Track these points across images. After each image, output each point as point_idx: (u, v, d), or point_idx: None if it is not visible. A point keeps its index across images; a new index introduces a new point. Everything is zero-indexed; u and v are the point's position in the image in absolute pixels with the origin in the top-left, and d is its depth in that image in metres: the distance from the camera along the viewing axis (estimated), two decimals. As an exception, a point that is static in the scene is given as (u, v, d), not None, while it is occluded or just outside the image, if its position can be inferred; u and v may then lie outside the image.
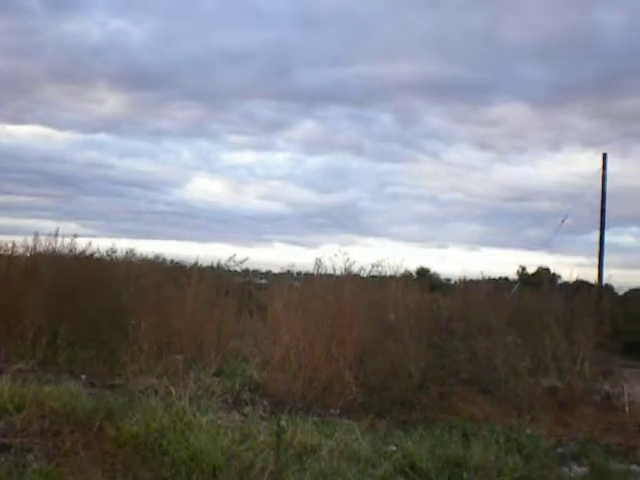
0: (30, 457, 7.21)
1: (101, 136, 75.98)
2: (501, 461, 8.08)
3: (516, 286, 22.10)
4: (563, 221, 28.79)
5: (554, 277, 25.29)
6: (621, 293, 37.54)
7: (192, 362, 11.81)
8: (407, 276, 19.83)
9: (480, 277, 17.52)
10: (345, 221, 66.68)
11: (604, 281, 28.46)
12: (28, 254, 15.55)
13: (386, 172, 71.50)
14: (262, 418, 9.65)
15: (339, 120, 68.87)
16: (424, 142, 70.30)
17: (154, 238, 55.50)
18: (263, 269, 29.59)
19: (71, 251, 15.62)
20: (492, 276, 26.69)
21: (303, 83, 59.42)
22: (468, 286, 17.45)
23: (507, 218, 65.24)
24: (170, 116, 66.86)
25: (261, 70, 61.50)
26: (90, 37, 55.54)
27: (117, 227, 59.06)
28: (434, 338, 12.94)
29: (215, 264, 16.40)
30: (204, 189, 70.31)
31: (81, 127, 76.14)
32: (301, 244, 60.51)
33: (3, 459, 7.09)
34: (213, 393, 10.43)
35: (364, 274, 13.99)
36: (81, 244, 15.78)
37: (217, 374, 11.84)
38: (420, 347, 12.22)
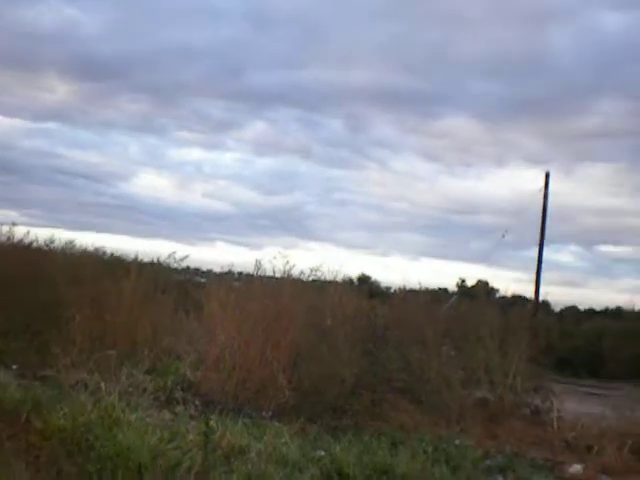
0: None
1: (50, 125, 74.65)
2: (428, 471, 8.14)
3: (454, 298, 22.25)
4: (503, 236, 29.17)
5: (492, 290, 25.57)
6: (557, 310, 38.18)
7: (125, 358, 11.70)
8: (348, 282, 19.91)
9: (420, 287, 17.65)
10: (290, 224, 66.60)
11: (541, 297, 28.83)
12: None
13: (333, 177, 71.53)
14: (193, 417, 9.60)
15: (289, 123, 68.74)
16: (373, 150, 70.59)
17: (97, 231, 55.12)
18: (204, 268, 29.43)
19: (8, 239, 15.39)
20: (432, 287, 26.89)
21: (255, 84, 59.21)
22: (407, 295, 17.55)
23: (450, 230, 65.69)
24: (119, 109, 66.04)
25: (213, 68, 61.11)
26: (43, 23, 54.61)
27: (59, 217, 58.13)
28: (369, 345, 12.97)
29: (156, 260, 16.33)
30: (150, 184, 69.60)
31: (30, 115, 74.89)
32: (244, 245, 60.30)
33: None
34: (145, 390, 10.37)
35: (304, 278, 14.01)
36: (19, 233, 15.56)
37: (150, 371, 11.75)
38: (354, 354, 12.24)
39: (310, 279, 14.17)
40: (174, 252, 15.39)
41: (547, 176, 29.31)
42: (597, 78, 56.79)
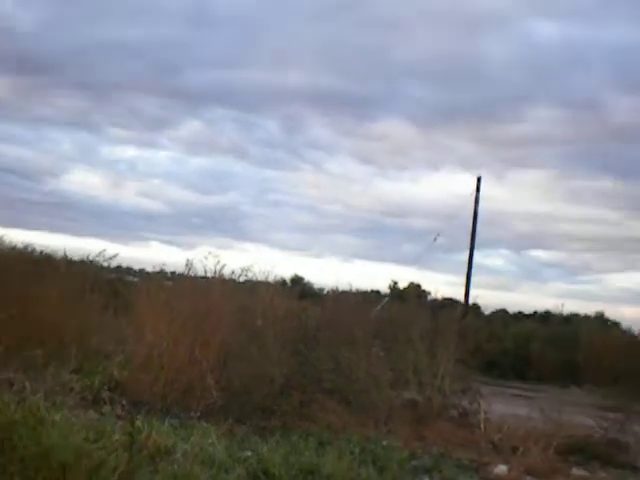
0: None
1: (-20, 119, 73.27)
2: (354, 472, 8.17)
3: (385, 300, 22.41)
4: (435, 239, 29.42)
5: (424, 293, 25.86)
6: (487, 313, 38.67)
7: (52, 357, 11.52)
8: (280, 283, 19.91)
9: (352, 288, 17.75)
10: (224, 224, 66.42)
11: (471, 300, 29.15)
12: None
13: (268, 178, 71.54)
14: (120, 417, 9.49)
15: (225, 123, 68.53)
16: (308, 151, 70.74)
17: (27, 228, 53.99)
18: (137, 267, 29.21)
19: None
20: (364, 288, 27.10)
21: (191, 83, 58.83)
22: (338, 297, 17.62)
23: (383, 232, 66.13)
24: (53, 104, 65.14)
25: (149, 66, 60.52)
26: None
27: (-14, 213, 57.10)
28: (299, 346, 12.98)
29: (86, 259, 16.11)
30: (82, 181, 68.71)
31: (-40, 108, 73.44)
32: (178, 244, 59.87)
33: None
34: (71, 390, 10.23)
35: (235, 278, 13.96)
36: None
37: (77, 371, 11.60)
38: (284, 354, 12.24)
39: (241, 279, 14.15)
40: (104, 250, 15.22)
41: (479, 181, 29.68)
42: (531, 85, 57.78)
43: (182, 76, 61.39)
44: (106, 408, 9.97)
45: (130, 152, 76.51)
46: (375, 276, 62.92)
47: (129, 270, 28.66)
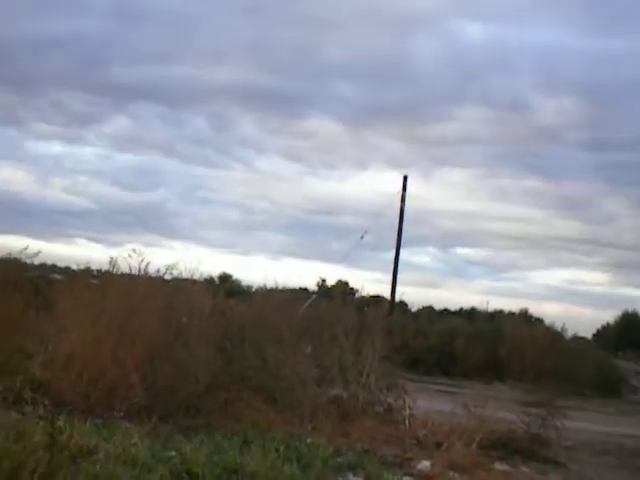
0: None
1: None
2: (278, 469, 8.18)
3: (313, 297, 22.50)
4: (362, 237, 29.68)
5: (352, 291, 25.98)
6: (414, 310, 39.12)
7: (-29, 358, 11.32)
8: (207, 281, 19.84)
9: (280, 286, 17.77)
10: (151, 222, 66.01)
11: (398, 298, 29.43)
12: None
13: (196, 176, 71.45)
14: (42, 418, 9.34)
15: (153, 119, 68.23)
16: (237, 149, 70.79)
17: (-53, 225, 52.75)
18: (62, 265, 28.78)
19: None
20: (293, 286, 27.19)
21: (118, 78, 58.34)
22: (266, 294, 17.63)
23: (312, 230, 66.64)
24: (-25, 100, 63.88)
25: (76, 60, 59.86)
26: None
27: None
28: (225, 344, 12.96)
29: (8, 256, 15.82)
30: (7, 178, 67.54)
31: None
32: (104, 242, 59.27)
33: None
34: (-8, 391, 10.06)
35: (161, 276, 13.85)
36: None
37: (-2, 371, 11.42)
38: (209, 352, 12.18)
39: (167, 277, 14.05)
40: (26, 247, 14.95)
41: (405, 179, 30.03)
42: (457, 85, 58.80)
43: (109, 71, 60.95)
44: (28, 408, 9.81)
45: (56, 148, 75.67)
46: (304, 274, 63.25)
47: (54, 268, 28.27)
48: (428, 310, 39.86)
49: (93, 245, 57.63)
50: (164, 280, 14.02)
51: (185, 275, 14.33)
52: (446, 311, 40.64)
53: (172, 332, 12.57)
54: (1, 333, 12.87)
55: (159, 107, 69.36)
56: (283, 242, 65.40)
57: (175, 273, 14.07)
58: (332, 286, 30.75)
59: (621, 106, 58.69)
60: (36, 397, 10.63)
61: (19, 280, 14.10)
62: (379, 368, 13.67)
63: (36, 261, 16.46)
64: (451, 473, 10.20)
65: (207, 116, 68.73)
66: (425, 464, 10.44)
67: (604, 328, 48.40)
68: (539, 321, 36.14)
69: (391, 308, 27.27)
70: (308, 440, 10.37)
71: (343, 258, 31.15)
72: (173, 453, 8.41)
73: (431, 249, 66.98)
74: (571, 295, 63.31)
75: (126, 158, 73.55)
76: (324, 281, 33.84)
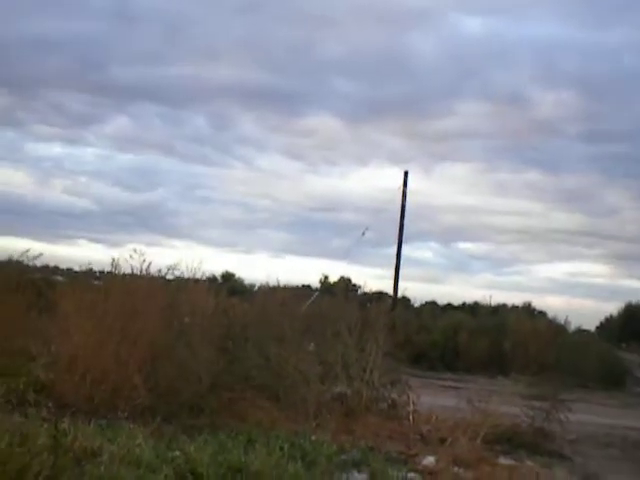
0: None
1: None
2: (282, 467, 8.18)
3: (315, 294, 22.48)
4: (363, 234, 29.66)
5: (354, 287, 25.98)
6: (417, 305, 39.11)
7: (-26, 361, 11.33)
8: (210, 280, 19.83)
9: (283, 284, 17.76)
10: (152, 221, 66.06)
11: (400, 293, 29.41)
12: None
13: (197, 175, 71.42)
14: (45, 420, 9.35)
15: (152, 119, 68.22)
16: (237, 147, 70.77)
17: (-52, 228, 52.82)
18: (64, 266, 28.78)
19: None
20: (295, 284, 27.19)
21: (117, 79, 58.33)
22: (268, 292, 17.62)
23: (313, 227, 66.64)
24: (-26, 102, 63.84)
25: (74, 61, 59.95)
26: None
27: None
28: (228, 343, 12.96)
29: (10, 258, 15.84)
30: (7, 180, 67.58)
31: None
32: (106, 242, 59.30)
33: None
34: (-5, 393, 10.05)
35: (163, 276, 13.86)
36: None
37: (1, 374, 11.41)
38: (212, 352, 12.18)
39: (169, 277, 14.05)
40: (28, 250, 14.97)
41: (406, 175, 29.99)
42: (457, 80, 58.80)
43: (108, 72, 60.89)
44: (31, 411, 9.83)
45: (56, 149, 75.75)
46: (306, 271, 63.29)
47: (56, 269, 28.25)
48: (431, 305, 39.86)
49: (94, 246, 57.72)
50: (166, 280, 14.02)
51: (187, 274, 14.31)
52: (449, 306, 40.62)
53: (174, 332, 12.57)
54: (4, 335, 12.89)
55: (158, 107, 69.44)
56: (285, 240, 65.49)
57: (177, 273, 14.07)
58: (334, 283, 30.73)
59: (619, 98, 58.80)
60: (39, 399, 10.65)
61: (21, 282, 14.12)
62: (382, 364, 13.67)
63: (38, 263, 16.49)
64: (456, 468, 10.18)
65: (206, 115, 68.79)
66: (430, 460, 10.45)
67: (607, 320, 48.44)
68: (542, 314, 36.14)
69: (394, 304, 27.25)
70: (312, 438, 10.36)
71: (345, 255, 31.14)
72: (177, 453, 8.40)
73: (433, 244, 67.02)
74: (573, 288, 63.43)
75: (126, 158, 73.63)
76: (326, 278, 33.78)
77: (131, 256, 12.88)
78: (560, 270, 71.65)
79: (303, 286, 31.59)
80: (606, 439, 14.53)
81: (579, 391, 19.78)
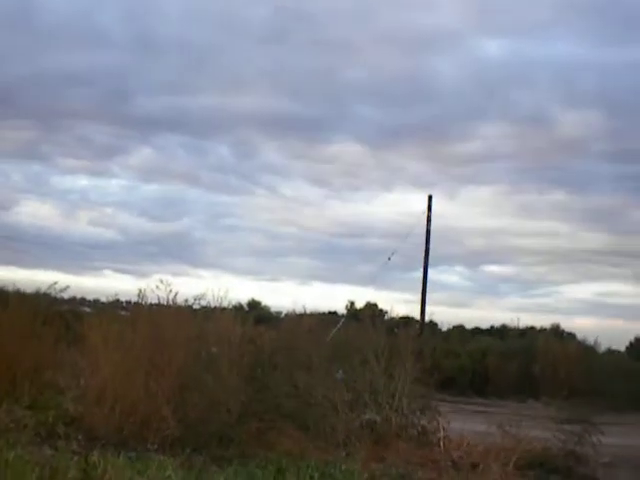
0: None
1: None
2: (313, 497, 8.14)
3: (342, 321, 22.44)
4: (389, 259, 29.59)
5: (381, 312, 25.88)
6: (444, 329, 38.85)
7: (5, 394, 11.36)
8: (236, 308, 19.83)
9: (309, 311, 17.73)
10: (178, 251, 65.98)
11: (427, 318, 29.29)
12: None
13: (221, 204, 71.30)
14: (75, 453, 9.37)
15: (176, 149, 68.36)
16: (260, 176, 70.67)
17: (-23, 262, 53.24)
18: (91, 297, 28.89)
19: None
20: (322, 310, 27.11)
21: (141, 109, 58.59)
22: (295, 320, 17.60)
23: (339, 254, 66.30)
24: (1, 136, 64.37)
25: (98, 94, 60.22)
26: None
27: None
28: (256, 372, 12.93)
29: (37, 291, 15.93)
30: (33, 213, 68.01)
31: None
32: (132, 273, 59.41)
33: None
34: (25, 426, 10.09)
35: (190, 305, 13.87)
36: None
37: (31, 407, 11.47)
38: (240, 381, 12.16)
39: (196, 306, 14.06)
40: (55, 282, 15.06)
41: (430, 199, 29.97)
42: (479, 103, 58.51)
43: (131, 103, 61.19)
44: (60, 443, 9.85)
45: (81, 181, 76.21)
46: (333, 297, 63.16)
47: (83, 301, 28.39)
48: (459, 329, 39.55)
49: (121, 276, 57.84)
50: (193, 309, 14.03)
51: (213, 303, 14.29)
52: (477, 330, 40.30)
53: (202, 362, 12.56)
54: (33, 368, 12.96)
55: (182, 137, 69.47)
56: (311, 266, 65.28)
57: (203, 302, 14.07)
58: (361, 309, 30.69)
59: (643, 115, 58.22)
60: (69, 432, 10.69)
61: (49, 315, 14.20)
62: (411, 390, 13.56)
63: (65, 295, 16.58)
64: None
65: (230, 144, 68.74)
66: (462, 486, 10.34)
67: (637, 340, 47.88)
68: (571, 336, 35.78)
69: (421, 329, 27.15)
70: (342, 466, 10.29)
71: (371, 280, 31.10)
72: (208, 484, 8.39)
73: (459, 268, 66.40)
74: (602, 308, 62.54)
75: (151, 189, 73.72)
76: (353, 304, 33.77)
77: (157, 286, 12.89)
78: (588, 290, 70.84)
79: (329, 313, 31.59)
80: (639, 461, 14.33)
81: (611, 413, 19.56)
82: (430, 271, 29.87)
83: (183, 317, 13.22)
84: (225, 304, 14.54)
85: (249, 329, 14.97)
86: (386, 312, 23.64)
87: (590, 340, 32.25)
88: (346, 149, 61.72)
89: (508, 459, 11.68)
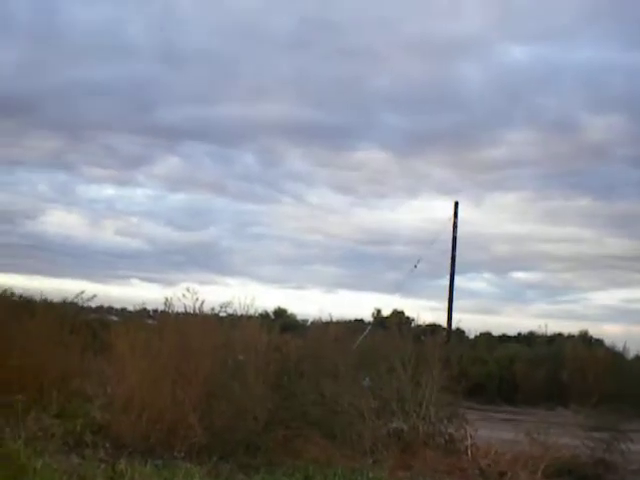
0: None
1: (-45, 164, 72.95)
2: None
3: (368, 328, 22.41)
4: (415, 266, 29.49)
5: (408, 320, 25.84)
6: (472, 337, 38.68)
7: (33, 403, 11.42)
8: (263, 316, 19.85)
9: (335, 319, 17.70)
10: (205, 260, 66.20)
11: (454, 325, 29.17)
12: None
13: (248, 212, 71.45)
14: (102, 461, 9.40)
15: (202, 158, 68.53)
16: (286, 184, 70.71)
17: (4, 271, 53.48)
18: (118, 306, 29.01)
19: None
20: (348, 318, 27.08)
21: (167, 119, 58.84)
22: (321, 328, 17.59)
23: (365, 261, 66.22)
24: (27, 146, 64.76)
25: (124, 104, 60.55)
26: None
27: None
28: (283, 380, 12.93)
29: (64, 300, 16.03)
30: (60, 222, 68.36)
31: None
32: (159, 282, 59.60)
33: None
34: (53, 435, 10.13)
35: (216, 313, 13.89)
36: None
37: (59, 415, 11.51)
38: (267, 389, 12.16)
39: (222, 314, 14.07)
40: (82, 292, 15.16)
41: (456, 206, 29.88)
42: (504, 109, 58.39)
43: (157, 113, 61.47)
44: (88, 452, 9.87)
45: (107, 191, 76.68)
46: (359, 305, 63.00)
47: (111, 309, 28.50)
48: (486, 336, 39.35)
49: (148, 285, 58.01)
50: (219, 318, 14.05)
51: (240, 312, 14.31)
52: (504, 337, 40.10)
53: (229, 370, 12.57)
54: (60, 377, 13.03)
55: (208, 146, 69.62)
56: (337, 274, 65.23)
57: (230, 310, 14.09)
58: (387, 316, 30.63)
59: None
60: (96, 440, 10.70)
61: (76, 324, 14.28)
62: (439, 398, 13.50)
63: (93, 304, 16.67)
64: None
65: (255, 152, 68.86)
66: (490, 495, 10.27)
67: (667, 346, 47.45)
68: (599, 342, 35.50)
69: (448, 336, 27.06)
70: (369, 474, 10.26)
71: (397, 288, 31.00)
72: (234, 492, 8.38)
73: (486, 274, 66.09)
74: (630, 314, 61.94)
75: (177, 198, 73.99)
76: (379, 312, 33.71)
77: (184, 295, 12.93)
78: (616, 297, 70.18)
79: (356, 320, 31.52)
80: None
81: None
82: (457, 278, 29.81)
83: (210, 325, 13.24)
84: (251, 312, 14.56)
85: (275, 337, 14.97)
86: (413, 320, 23.68)
87: (619, 346, 31.99)
88: (371, 156, 61.74)
89: (536, 467, 11.61)
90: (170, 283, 53.21)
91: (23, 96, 53.64)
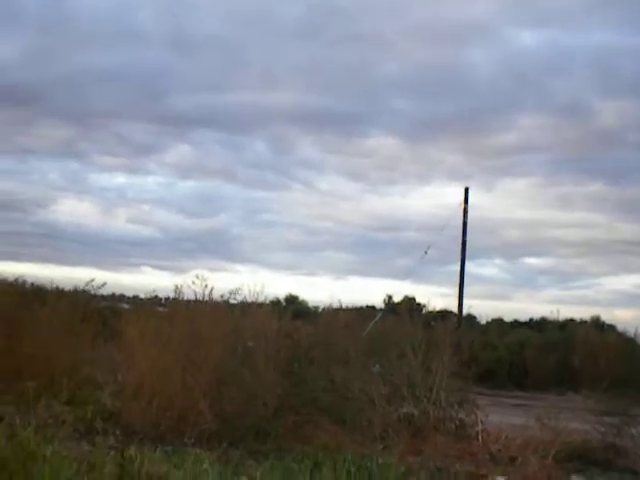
0: None
1: (-33, 153, 73.11)
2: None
3: (379, 315, 22.37)
4: (426, 252, 29.31)
5: (419, 306, 25.75)
6: (483, 322, 38.62)
7: (44, 390, 11.45)
8: (273, 303, 19.86)
9: (347, 305, 17.69)
10: (215, 247, 66.29)
11: (465, 311, 29.08)
12: None
13: (258, 199, 71.51)
14: (113, 448, 9.41)
15: (212, 145, 68.52)
16: (297, 171, 70.62)
17: (16, 260, 53.73)
18: (130, 294, 29.12)
19: None
20: (359, 305, 27.03)
21: (177, 107, 58.82)
22: (332, 314, 17.58)
23: (376, 247, 66.12)
24: (38, 135, 64.94)
25: (134, 92, 60.63)
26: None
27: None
28: (293, 366, 12.94)
29: (76, 288, 16.08)
30: (71, 211, 68.53)
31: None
32: (170, 269, 59.85)
33: None
34: (64, 422, 10.14)
35: (227, 300, 13.91)
36: None
37: (69, 402, 11.54)
38: (277, 376, 12.18)
39: (233, 301, 14.09)
40: (92, 279, 15.20)
41: (466, 191, 29.68)
42: (515, 94, 58.13)
43: (167, 101, 61.53)
44: (98, 439, 9.89)
45: (119, 179, 76.62)
46: (370, 291, 62.98)
47: (122, 297, 28.61)
48: (497, 322, 39.27)
49: (159, 273, 58.17)
50: (229, 304, 14.07)
51: (250, 299, 14.32)
52: (516, 322, 40.00)
53: (239, 356, 12.59)
54: (71, 364, 13.07)
55: (218, 133, 69.73)
56: (348, 261, 65.25)
57: (240, 297, 14.10)
58: (398, 302, 30.53)
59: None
60: (107, 427, 10.71)
61: (87, 311, 14.32)
62: (449, 383, 13.49)
63: (104, 292, 16.72)
64: (527, 488, 10.00)
65: (266, 140, 68.84)
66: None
67: (679, 331, 47.25)
68: (611, 328, 35.39)
69: (459, 322, 26.97)
70: (379, 460, 10.24)
71: (408, 274, 30.88)
72: (244, 478, 8.40)
73: (497, 260, 65.92)
74: (642, 300, 61.85)
75: (188, 185, 73.99)
76: (390, 298, 33.58)
77: (194, 282, 12.93)
78: (628, 282, 70.00)
79: (367, 307, 31.51)
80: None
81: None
82: (468, 264, 29.58)
83: (220, 312, 13.27)
84: (262, 299, 14.56)
85: (285, 324, 14.98)
86: (424, 306, 23.54)
87: (630, 332, 31.90)
88: (382, 143, 61.71)
89: (547, 452, 11.58)
90: (181, 270, 53.47)
91: (33, 84, 53.86)
